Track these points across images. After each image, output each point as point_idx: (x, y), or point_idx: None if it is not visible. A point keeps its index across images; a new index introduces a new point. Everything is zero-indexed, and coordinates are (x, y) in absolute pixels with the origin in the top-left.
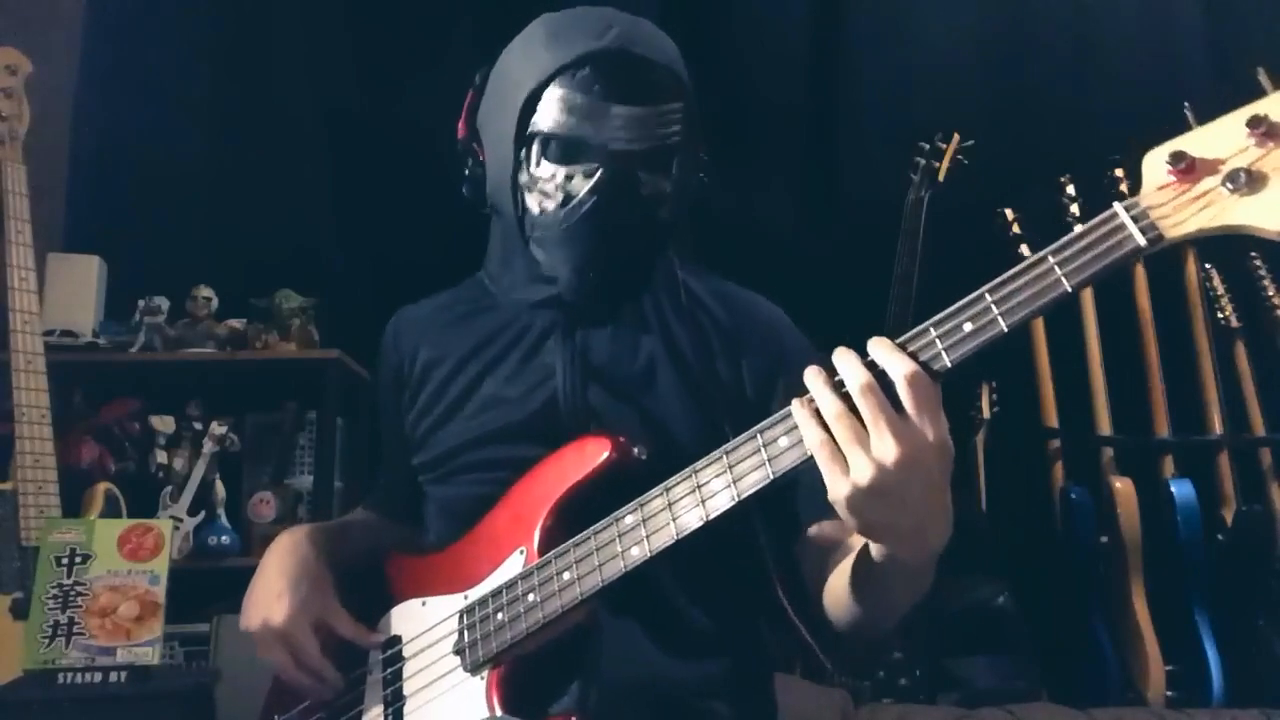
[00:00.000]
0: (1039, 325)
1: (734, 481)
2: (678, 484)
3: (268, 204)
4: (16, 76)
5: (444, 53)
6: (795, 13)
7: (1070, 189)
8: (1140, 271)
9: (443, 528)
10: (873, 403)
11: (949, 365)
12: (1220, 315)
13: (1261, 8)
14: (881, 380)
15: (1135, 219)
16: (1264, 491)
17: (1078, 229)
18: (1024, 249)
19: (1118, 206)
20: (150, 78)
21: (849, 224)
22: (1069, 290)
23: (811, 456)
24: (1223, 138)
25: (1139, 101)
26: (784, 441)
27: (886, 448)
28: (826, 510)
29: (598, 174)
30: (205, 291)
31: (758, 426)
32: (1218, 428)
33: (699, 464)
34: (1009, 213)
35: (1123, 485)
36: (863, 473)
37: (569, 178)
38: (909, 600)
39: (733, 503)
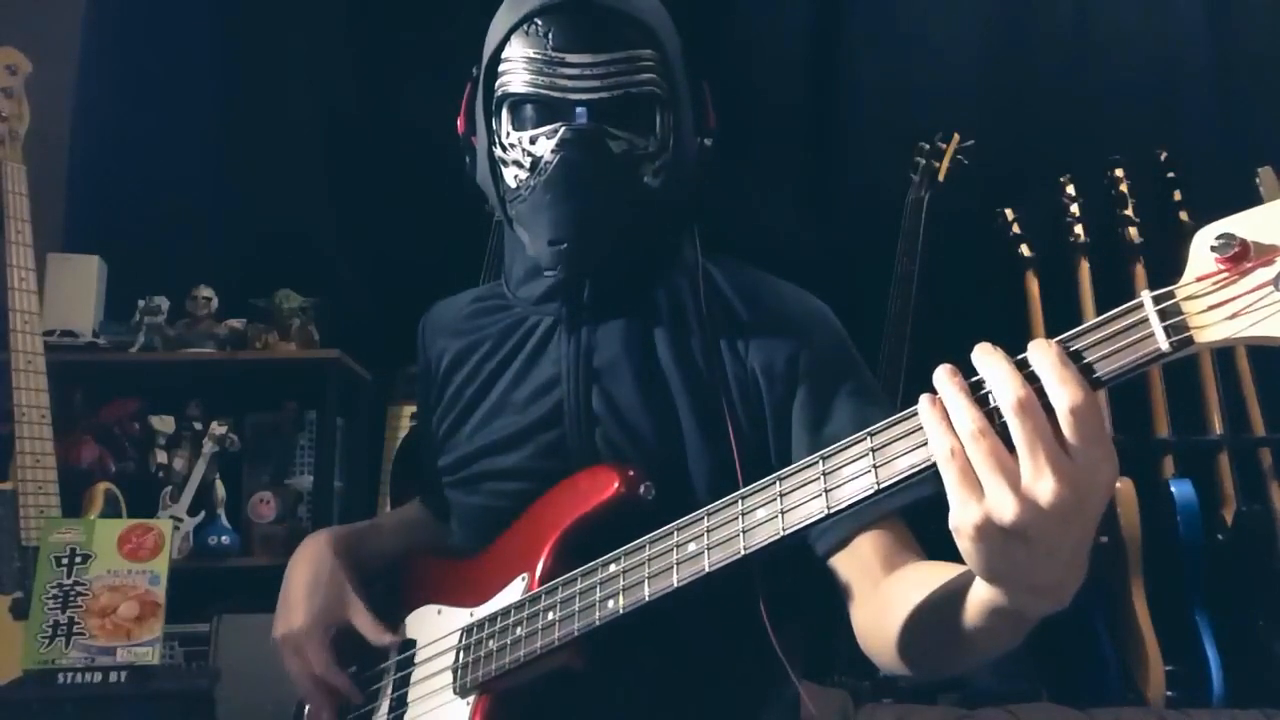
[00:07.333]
0: (1038, 326)
1: (708, 549)
2: (658, 541)
3: (268, 204)
4: (16, 76)
5: (444, 53)
6: (795, 13)
7: (1070, 189)
8: (1140, 270)
9: (461, 535)
10: (1030, 426)
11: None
12: None
13: (1262, 7)
14: (1040, 396)
15: (1163, 315)
16: (1264, 491)
17: (1093, 320)
18: (1024, 249)
19: (1145, 296)
20: (150, 78)
21: (849, 224)
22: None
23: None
24: None
25: (1139, 102)
26: (762, 513)
27: (1043, 484)
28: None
29: (559, 131)
30: (205, 291)
31: (740, 491)
32: (1218, 428)
33: (678, 523)
34: (1009, 213)
35: (1123, 485)
36: (1004, 508)
37: (533, 140)
38: (1005, 648)
39: (692, 579)
